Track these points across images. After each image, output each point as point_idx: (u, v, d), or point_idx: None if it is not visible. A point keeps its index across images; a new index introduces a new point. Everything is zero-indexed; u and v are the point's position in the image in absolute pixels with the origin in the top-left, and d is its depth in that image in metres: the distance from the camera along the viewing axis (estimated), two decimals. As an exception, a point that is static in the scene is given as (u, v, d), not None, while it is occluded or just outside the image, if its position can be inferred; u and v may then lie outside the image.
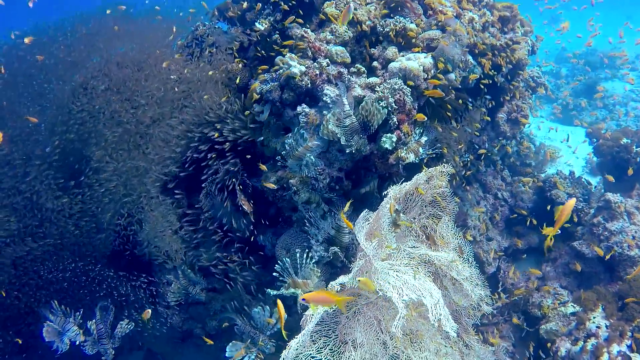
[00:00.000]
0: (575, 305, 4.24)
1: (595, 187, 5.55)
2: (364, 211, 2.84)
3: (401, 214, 2.94)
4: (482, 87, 3.95)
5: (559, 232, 4.19)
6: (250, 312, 3.85)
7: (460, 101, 3.53)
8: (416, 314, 3.52)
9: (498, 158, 5.39)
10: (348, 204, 3.30)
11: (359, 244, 2.76)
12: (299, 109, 3.43)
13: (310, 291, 3.40)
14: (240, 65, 3.93)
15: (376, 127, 3.24)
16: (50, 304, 3.92)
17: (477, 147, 4.46)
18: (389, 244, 2.77)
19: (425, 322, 3.53)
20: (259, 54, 3.80)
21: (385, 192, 2.81)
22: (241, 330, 3.73)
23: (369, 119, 3.22)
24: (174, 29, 4.62)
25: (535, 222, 4.75)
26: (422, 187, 3.06)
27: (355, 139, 3.24)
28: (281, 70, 3.47)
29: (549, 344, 4.05)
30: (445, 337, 3.64)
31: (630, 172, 4.83)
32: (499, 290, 4.78)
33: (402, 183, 2.93)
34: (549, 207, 4.73)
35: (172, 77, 4.06)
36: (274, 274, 3.50)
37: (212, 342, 3.73)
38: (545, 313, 4.38)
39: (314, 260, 3.48)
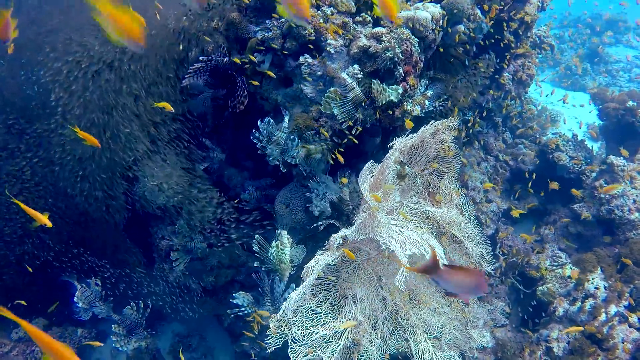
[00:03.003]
0: (573, 267, 4.24)
1: (597, 152, 5.50)
2: (369, 162, 2.76)
3: (406, 167, 2.86)
4: (491, 40, 3.82)
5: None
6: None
7: (468, 55, 3.42)
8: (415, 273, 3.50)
9: (500, 119, 5.31)
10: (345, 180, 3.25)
11: (362, 196, 2.70)
12: (301, 59, 3.30)
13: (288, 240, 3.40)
14: (239, 15, 3.77)
15: (381, 104, 3.12)
16: (87, 281, 4.00)
17: (481, 105, 4.36)
18: (393, 197, 2.70)
19: (425, 281, 3.52)
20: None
21: (390, 144, 2.73)
22: (261, 285, 3.65)
23: (375, 96, 3.10)
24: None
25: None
26: (427, 141, 2.98)
27: (360, 111, 3.13)
28: (283, 19, 3.33)
29: (546, 305, 4.07)
30: (444, 296, 3.63)
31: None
32: (497, 252, 4.77)
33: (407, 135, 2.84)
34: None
35: (169, 25, 3.91)
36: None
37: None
38: (542, 275, 4.38)
39: (315, 215, 3.42)
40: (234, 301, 3.49)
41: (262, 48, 3.45)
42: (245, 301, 3.42)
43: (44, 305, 4.53)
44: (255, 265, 3.59)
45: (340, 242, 2.70)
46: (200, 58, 3.50)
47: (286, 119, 3.47)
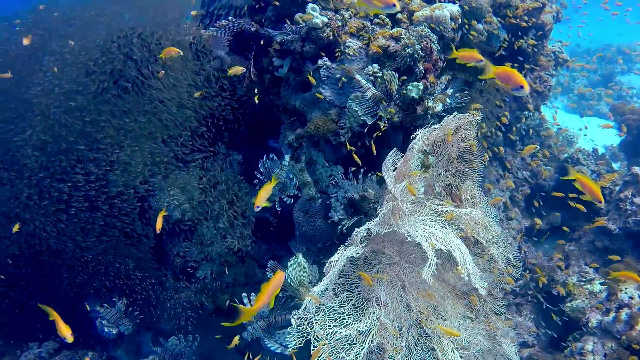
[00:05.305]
0: (602, 283, 4.07)
1: (618, 169, 5.40)
2: (392, 151, 2.69)
3: (430, 156, 2.79)
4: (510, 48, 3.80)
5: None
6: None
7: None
8: (438, 284, 3.37)
9: (517, 138, 5.25)
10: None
11: (386, 186, 2.61)
12: (320, 62, 3.30)
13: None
14: (257, 25, 3.82)
15: (395, 92, 3.11)
16: (112, 301, 3.96)
17: (499, 119, 4.31)
18: (418, 188, 2.62)
19: (447, 292, 3.39)
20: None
21: (414, 135, 2.67)
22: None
23: (389, 88, 3.09)
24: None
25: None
26: (450, 137, 2.91)
27: (382, 108, 3.11)
28: (302, 24, 3.35)
29: (575, 322, 3.88)
30: (468, 308, 3.49)
31: None
32: (521, 270, 4.60)
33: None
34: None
35: (187, 37, 3.97)
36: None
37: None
38: (570, 291, 4.19)
39: (334, 220, 3.33)
40: (247, 299, 3.35)
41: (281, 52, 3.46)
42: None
43: (53, 328, 4.41)
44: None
45: (364, 235, 2.60)
46: (229, 18, 3.50)
47: (287, 157, 3.50)
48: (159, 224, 3.35)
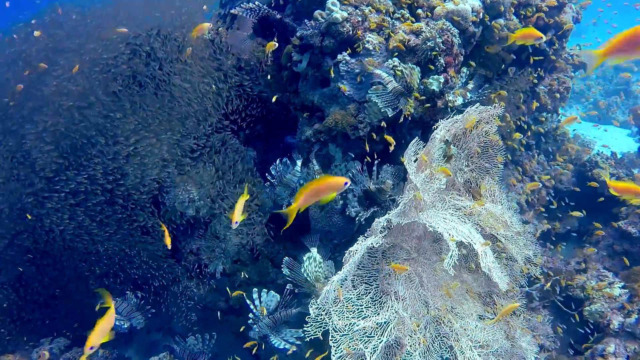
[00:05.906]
0: (622, 286, 3.99)
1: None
2: (414, 140, 2.67)
3: (452, 146, 2.76)
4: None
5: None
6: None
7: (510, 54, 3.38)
8: (456, 282, 3.33)
9: (534, 142, 5.21)
10: None
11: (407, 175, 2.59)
12: (339, 57, 3.30)
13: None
14: (281, 15, 3.84)
15: (416, 86, 3.10)
16: (124, 294, 3.96)
17: (517, 119, 4.28)
18: (439, 178, 2.59)
19: (465, 291, 3.34)
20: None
21: (435, 126, 2.65)
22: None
23: (409, 81, 3.08)
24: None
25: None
26: (469, 133, 2.89)
27: (402, 102, 3.09)
28: (321, 19, 3.36)
29: (595, 326, 3.81)
30: (486, 308, 3.44)
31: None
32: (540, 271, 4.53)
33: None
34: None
35: (205, 37, 3.99)
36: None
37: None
38: (589, 294, 4.12)
39: (351, 215, 3.31)
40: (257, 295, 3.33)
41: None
42: (268, 299, 3.27)
43: (65, 324, 4.40)
44: (288, 287, 3.44)
45: (384, 225, 2.57)
46: (256, 3, 3.56)
47: (298, 162, 3.50)
48: (167, 240, 3.35)
